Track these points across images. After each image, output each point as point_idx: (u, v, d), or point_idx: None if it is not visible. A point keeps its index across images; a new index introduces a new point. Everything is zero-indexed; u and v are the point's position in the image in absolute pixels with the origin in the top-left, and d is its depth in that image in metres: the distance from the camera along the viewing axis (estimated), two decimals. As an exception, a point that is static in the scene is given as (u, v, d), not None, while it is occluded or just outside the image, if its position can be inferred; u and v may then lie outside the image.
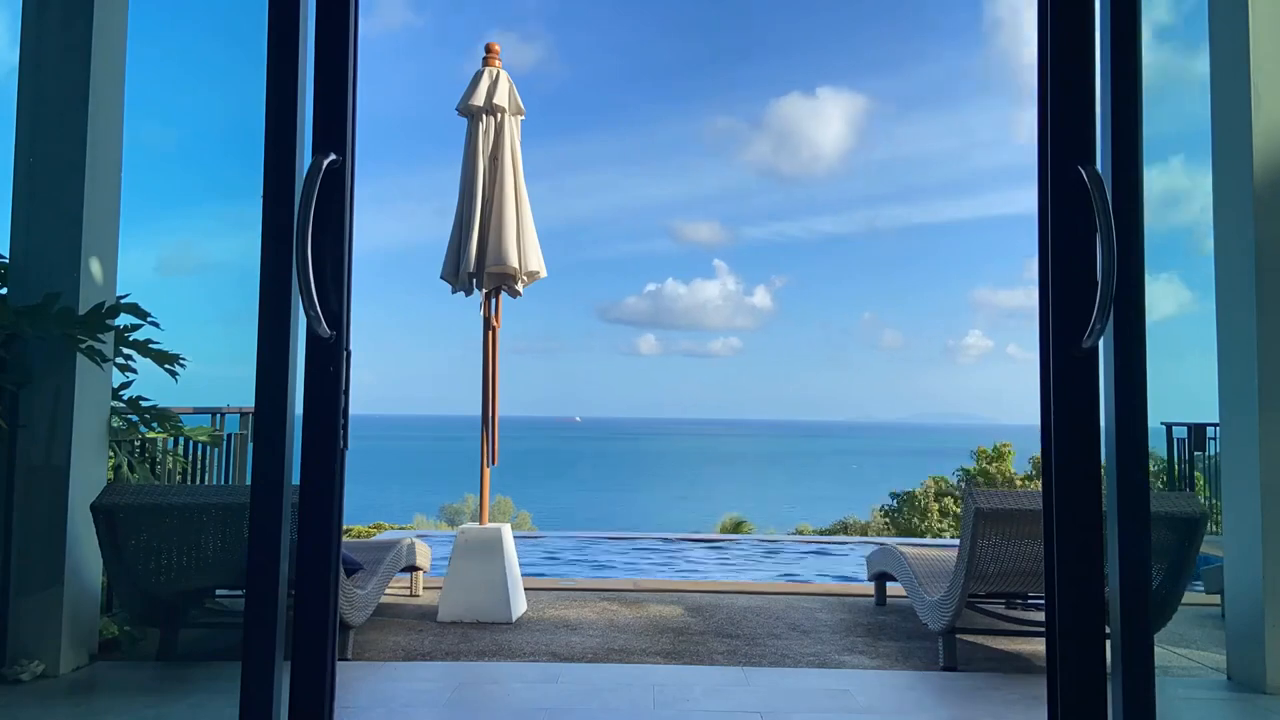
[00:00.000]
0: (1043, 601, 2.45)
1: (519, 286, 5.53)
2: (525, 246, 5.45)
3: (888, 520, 25.29)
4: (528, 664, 4.28)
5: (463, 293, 5.52)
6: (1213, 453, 6.41)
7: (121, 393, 4.34)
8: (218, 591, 4.35)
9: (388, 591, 5.67)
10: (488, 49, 5.64)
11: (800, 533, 22.58)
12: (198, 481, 5.16)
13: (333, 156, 2.29)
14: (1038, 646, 4.54)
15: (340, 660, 3.31)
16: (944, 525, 23.52)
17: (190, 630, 4.35)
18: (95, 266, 3.96)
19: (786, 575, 8.44)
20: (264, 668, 2.22)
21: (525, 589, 5.61)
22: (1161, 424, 6.64)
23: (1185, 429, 6.61)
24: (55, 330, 3.74)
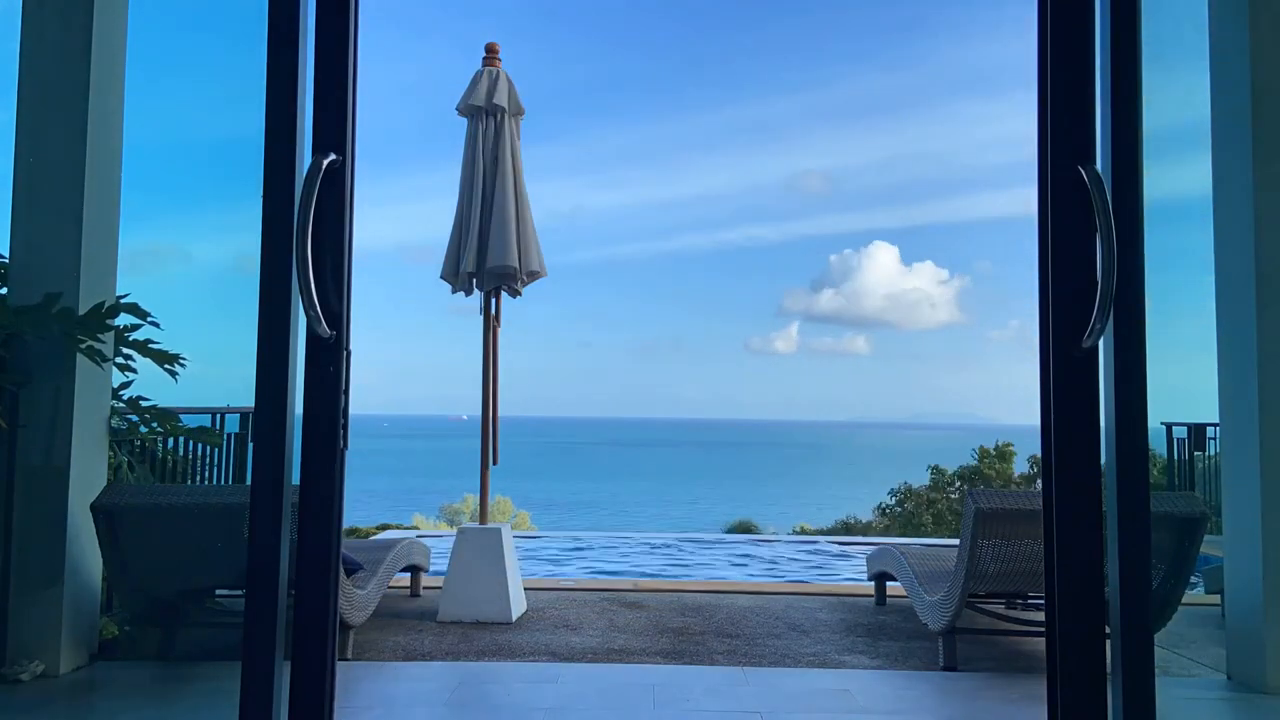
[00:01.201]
0: (1043, 601, 2.45)
1: (519, 286, 5.53)
2: (525, 246, 5.45)
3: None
4: (528, 664, 4.28)
5: (463, 293, 5.52)
6: (1213, 453, 6.40)
7: (121, 393, 4.34)
8: (218, 591, 4.35)
9: (388, 591, 5.66)
10: (488, 49, 5.63)
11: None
12: (198, 481, 5.16)
13: (333, 156, 2.29)
14: (1038, 646, 4.53)
15: (340, 660, 3.31)
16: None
17: (190, 630, 4.35)
18: (95, 266, 3.96)
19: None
20: (264, 668, 2.22)
21: (525, 589, 5.61)
22: (1161, 424, 6.64)
23: (1185, 429, 6.61)
24: (55, 330, 3.74)
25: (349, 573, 4.58)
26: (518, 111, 5.60)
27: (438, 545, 7.03)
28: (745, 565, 9.08)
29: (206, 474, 5.24)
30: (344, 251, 2.33)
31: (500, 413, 5.56)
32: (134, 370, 4.33)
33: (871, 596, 5.87)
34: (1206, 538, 4.01)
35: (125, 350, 4.24)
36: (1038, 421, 2.33)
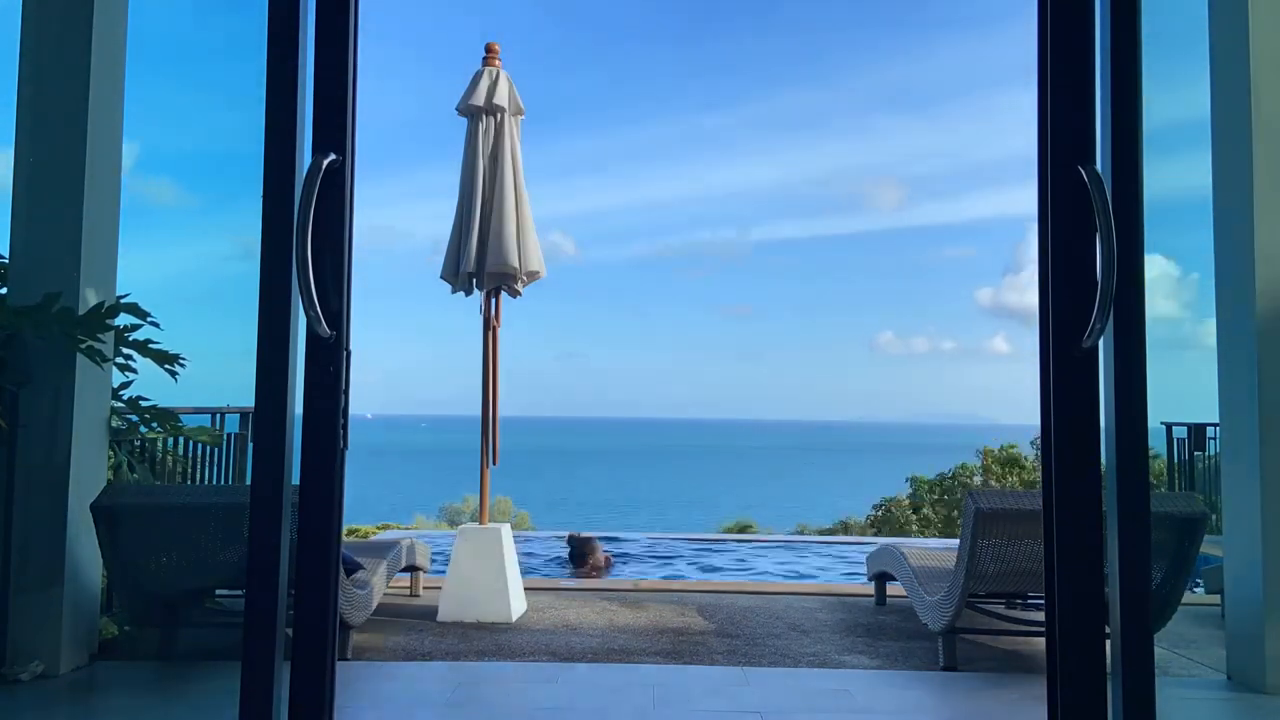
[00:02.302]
0: (1043, 601, 2.45)
1: (519, 286, 5.54)
2: (525, 246, 5.45)
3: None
4: (528, 664, 4.27)
5: (463, 293, 5.52)
6: (1213, 453, 6.40)
7: (121, 393, 4.34)
8: (218, 591, 4.35)
9: (388, 591, 5.66)
10: (488, 49, 5.63)
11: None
12: (198, 481, 5.16)
13: (333, 156, 2.29)
14: (1038, 646, 4.53)
15: (340, 660, 3.31)
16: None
17: (190, 630, 4.35)
18: (95, 266, 3.96)
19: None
20: (264, 668, 2.22)
21: (525, 589, 5.61)
22: (1161, 424, 6.64)
23: (1185, 429, 6.61)
24: (55, 330, 3.74)
25: (349, 573, 4.58)
26: (518, 111, 5.60)
27: (438, 545, 7.04)
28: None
29: (206, 474, 5.24)
30: (344, 251, 2.33)
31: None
32: (134, 370, 4.33)
33: (871, 596, 5.86)
34: (1206, 538, 4.01)
35: (125, 350, 4.24)
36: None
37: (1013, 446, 24.24)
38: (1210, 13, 3.98)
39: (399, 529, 12.88)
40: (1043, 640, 2.38)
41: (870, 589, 5.94)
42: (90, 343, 3.81)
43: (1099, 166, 2.27)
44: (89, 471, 3.94)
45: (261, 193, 2.31)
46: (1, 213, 3.91)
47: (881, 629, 5.08)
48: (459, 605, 5.16)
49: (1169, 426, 6.68)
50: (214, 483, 5.26)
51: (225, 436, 5.37)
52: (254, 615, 2.23)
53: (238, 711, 2.22)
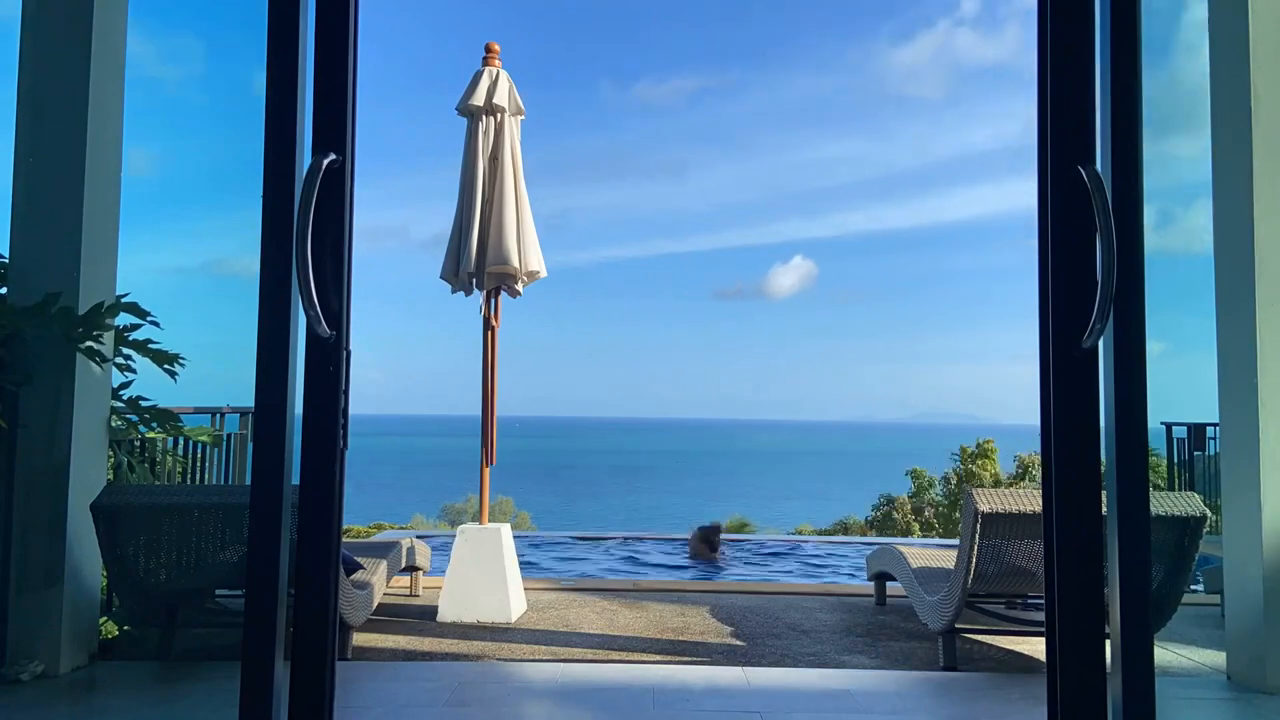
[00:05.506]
0: (1043, 601, 2.45)
1: (519, 286, 5.54)
2: (525, 246, 5.45)
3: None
4: (528, 664, 4.27)
5: (463, 293, 5.52)
6: (1213, 453, 6.40)
7: (121, 393, 4.34)
8: (218, 591, 4.35)
9: (388, 591, 5.67)
10: (487, 49, 5.63)
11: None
12: (198, 481, 5.16)
13: (333, 156, 2.29)
14: (1038, 646, 4.53)
15: (340, 660, 3.31)
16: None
17: (190, 630, 4.35)
18: (95, 266, 3.96)
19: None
20: (264, 668, 2.22)
21: (525, 589, 5.61)
22: (1161, 424, 6.64)
23: (1185, 429, 6.61)
24: (55, 330, 3.74)
25: (348, 572, 4.58)
26: (517, 111, 5.60)
27: (438, 545, 7.03)
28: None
29: (206, 474, 5.24)
30: (344, 251, 2.33)
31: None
32: (134, 370, 4.33)
33: (871, 596, 5.87)
34: (1206, 538, 4.01)
35: (125, 350, 4.24)
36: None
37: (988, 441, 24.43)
38: (1210, 10, 3.97)
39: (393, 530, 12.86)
40: (1043, 640, 2.38)
41: (870, 589, 5.94)
42: (90, 342, 3.81)
43: (1099, 166, 2.27)
44: (89, 471, 3.94)
45: (261, 192, 2.31)
46: (2, 213, 3.91)
47: (881, 629, 5.08)
48: (459, 605, 5.16)
49: (1169, 426, 6.68)
50: (214, 483, 5.26)
51: (225, 436, 5.37)
52: (254, 615, 2.23)
53: (238, 711, 2.22)
